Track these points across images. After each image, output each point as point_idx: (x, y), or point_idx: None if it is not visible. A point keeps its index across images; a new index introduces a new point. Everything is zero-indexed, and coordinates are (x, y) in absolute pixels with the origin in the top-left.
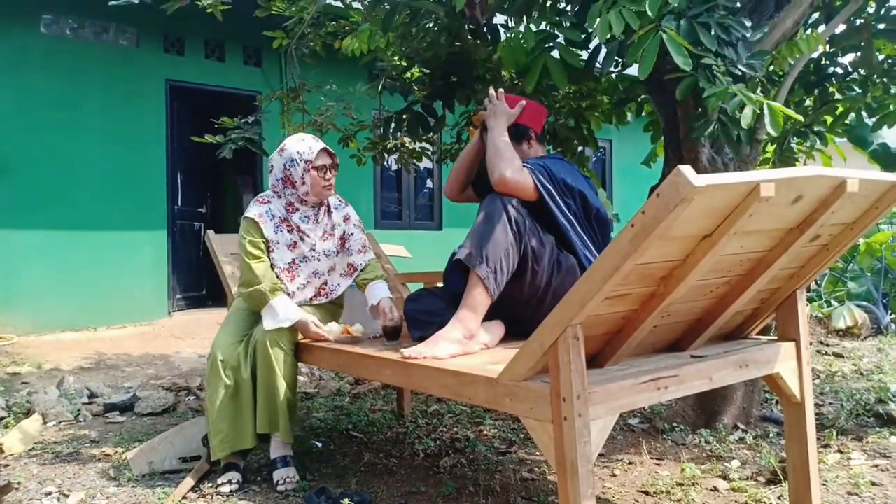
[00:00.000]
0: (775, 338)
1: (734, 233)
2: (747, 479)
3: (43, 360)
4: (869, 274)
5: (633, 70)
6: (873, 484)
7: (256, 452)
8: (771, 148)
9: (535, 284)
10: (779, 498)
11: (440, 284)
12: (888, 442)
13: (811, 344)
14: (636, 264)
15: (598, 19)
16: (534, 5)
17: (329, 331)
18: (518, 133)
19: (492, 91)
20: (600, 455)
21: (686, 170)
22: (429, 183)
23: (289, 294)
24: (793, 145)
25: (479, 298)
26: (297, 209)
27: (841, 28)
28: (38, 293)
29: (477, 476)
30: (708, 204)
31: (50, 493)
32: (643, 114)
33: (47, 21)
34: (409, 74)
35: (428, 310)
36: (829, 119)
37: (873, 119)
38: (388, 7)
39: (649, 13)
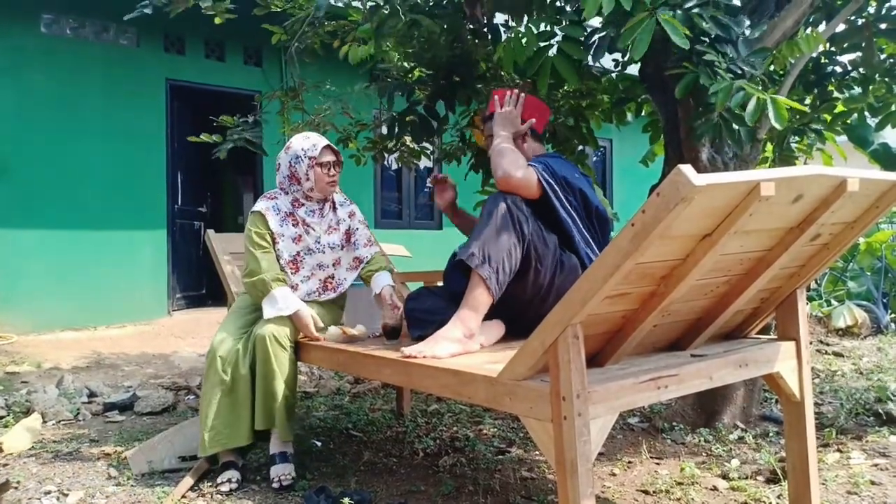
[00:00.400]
0: (775, 337)
1: (734, 232)
2: (747, 478)
3: (42, 359)
4: (869, 273)
5: (633, 69)
6: (873, 483)
7: (256, 451)
8: (770, 147)
9: (538, 284)
10: (778, 497)
11: (440, 283)
12: (888, 441)
13: (811, 343)
14: (636, 263)
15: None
16: (533, 3)
17: (329, 335)
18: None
19: (496, 98)
20: (600, 454)
21: (686, 169)
22: (429, 182)
23: (292, 286)
24: (792, 145)
25: (480, 298)
26: (303, 205)
27: (841, 27)
28: (38, 292)
29: (476, 475)
30: (708, 203)
31: (49, 492)
32: (643, 113)
33: (47, 20)
34: (410, 75)
35: (428, 308)
36: (829, 117)
37: (876, 119)
38: (385, 12)
39: None
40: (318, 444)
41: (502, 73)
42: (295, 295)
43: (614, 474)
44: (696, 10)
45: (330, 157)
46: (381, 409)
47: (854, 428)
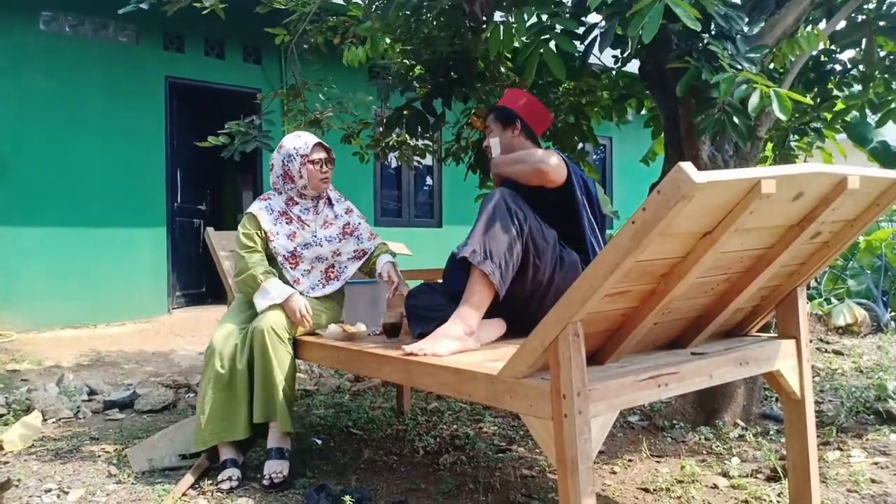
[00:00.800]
0: (775, 335)
1: (735, 230)
2: (747, 476)
3: (42, 357)
4: (869, 271)
5: (632, 66)
6: (873, 481)
7: (256, 449)
8: (770, 146)
9: (538, 280)
10: (779, 495)
11: (440, 280)
12: (888, 439)
13: (811, 341)
14: (637, 261)
15: None
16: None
17: (329, 333)
18: (505, 116)
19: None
20: (600, 452)
21: (687, 167)
22: (429, 180)
23: (294, 280)
24: (792, 143)
25: (481, 295)
26: (297, 203)
27: (842, 25)
28: (38, 290)
29: (477, 473)
30: (709, 201)
31: (50, 490)
32: (643, 111)
33: (46, 18)
34: (410, 72)
35: (428, 306)
36: (829, 116)
37: (875, 116)
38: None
39: None
40: (319, 441)
41: (503, 70)
42: (299, 288)
43: (615, 472)
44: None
45: (321, 155)
46: (382, 407)
47: (854, 426)
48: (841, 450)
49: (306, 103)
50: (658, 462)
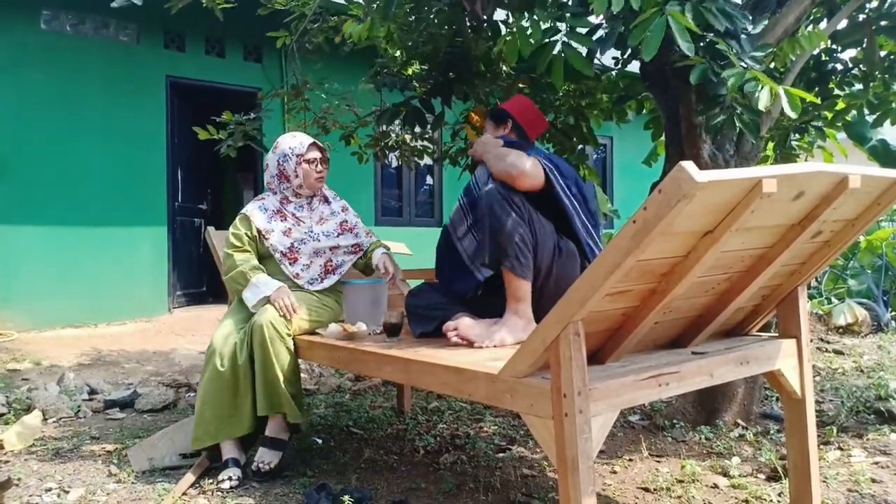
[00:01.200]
0: (776, 334)
1: (736, 229)
2: (748, 475)
3: (43, 356)
4: (869, 271)
5: (633, 67)
6: (874, 481)
7: (258, 449)
8: (771, 145)
9: (537, 267)
10: (779, 495)
11: None
12: (888, 439)
13: (812, 341)
14: (637, 261)
15: None
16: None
17: (330, 332)
18: (497, 115)
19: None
20: (601, 452)
21: (688, 166)
22: (429, 180)
23: (294, 275)
24: (793, 142)
25: (519, 289)
26: (291, 202)
27: (843, 24)
28: (39, 290)
29: (477, 473)
30: (710, 200)
31: (50, 490)
32: (643, 111)
33: (47, 17)
34: (408, 70)
35: (429, 305)
36: (830, 115)
37: (874, 116)
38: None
39: None
40: (319, 441)
41: (503, 69)
42: (300, 282)
43: (615, 472)
44: (705, 5)
45: (316, 154)
46: (382, 407)
47: (855, 426)
48: (841, 449)
49: (308, 102)
50: (658, 461)
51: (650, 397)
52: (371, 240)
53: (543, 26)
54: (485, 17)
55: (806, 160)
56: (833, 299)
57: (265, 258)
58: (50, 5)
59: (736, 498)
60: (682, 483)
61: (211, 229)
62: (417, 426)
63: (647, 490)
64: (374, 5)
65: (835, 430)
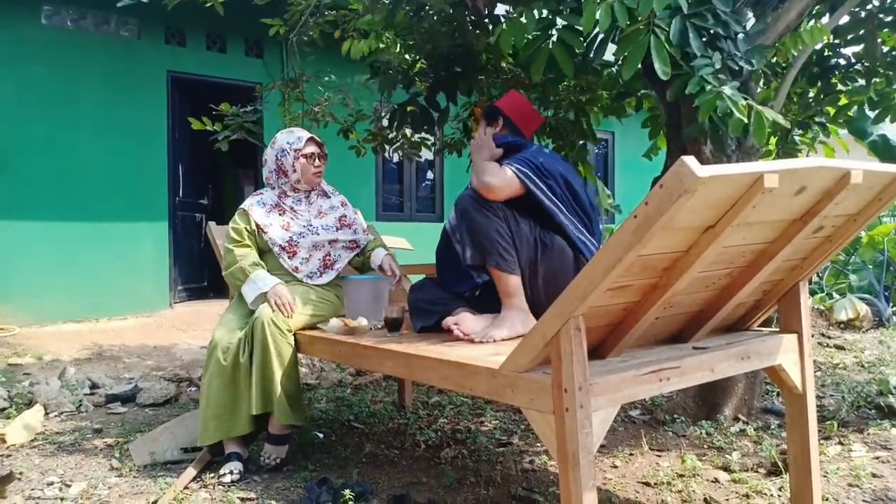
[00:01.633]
0: (777, 330)
1: (737, 224)
2: (748, 470)
3: (44, 351)
4: (871, 266)
5: None
6: (874, 476)
7: (259, 443)
8: (773, 140)
9: (521, 264)
10: (779, 489)
11: None
12: (889, 434)
13: (813, 336)
14: (639, 255)
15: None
16: None
17: (331, 327)
18: (489, 114)
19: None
20: (601, 446)
21: (690, 161)
22: (430, 175)
23: (293, 269)
24: (796, 138)
25: (508, 285)
26: (289, 196)
27: (845, 19)
28: (40, 284)
29: (478, 467)
30: (711, 195)
31: (52, 484)
32: (643, 108)
33: (48, 12)
34: (410, 66)
35: (431, 300)
36: (832, 110)
37: (875, 111)
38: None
39: (639, 15)
40: (320, 435)
41: (503, 65)
42: (300, 275)
43: (616, 466)
44: (692, 20)
45: (314, 149)
46: (383, 401)
47: (855, 421)
48: (842, 444)
49: (304, 94)
50: (659, 456)
51: (651, 392)
52: (369, 238)
53: (537, 16)
54: (486, 13)
55: (808, 155)
56: (834, 294)
57: (265, 252)
58: (51, 0)
59: (736, 492)
60: (683, 477)
61: (212, 224)
62: (418, 421)
63: (647, 484)
64: (376, 6)
65: (835, 425)
